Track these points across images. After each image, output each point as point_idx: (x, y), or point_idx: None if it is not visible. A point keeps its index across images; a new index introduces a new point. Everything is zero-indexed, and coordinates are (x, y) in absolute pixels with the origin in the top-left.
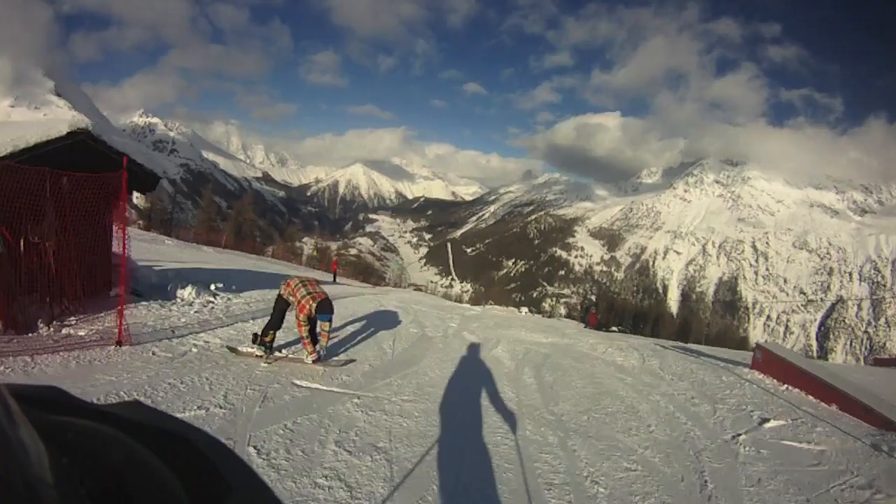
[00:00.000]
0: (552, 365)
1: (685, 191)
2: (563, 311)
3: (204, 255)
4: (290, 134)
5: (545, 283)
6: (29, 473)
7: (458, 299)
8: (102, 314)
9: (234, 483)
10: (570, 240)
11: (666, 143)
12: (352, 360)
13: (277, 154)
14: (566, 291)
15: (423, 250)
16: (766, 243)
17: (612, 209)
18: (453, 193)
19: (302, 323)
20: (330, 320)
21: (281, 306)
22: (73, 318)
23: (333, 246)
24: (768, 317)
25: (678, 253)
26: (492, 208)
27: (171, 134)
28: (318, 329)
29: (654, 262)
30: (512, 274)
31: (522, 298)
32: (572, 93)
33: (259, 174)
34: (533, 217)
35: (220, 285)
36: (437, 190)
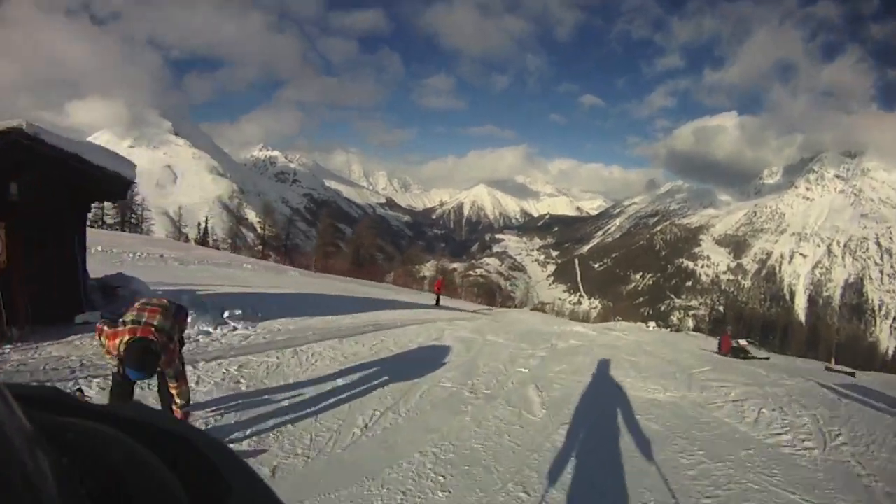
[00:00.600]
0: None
1: (807, 189)
2: (690, 324)
3: (279, 280)
4: (411, 159)
5: (673, 296)
6: (29, 473)
7: (586, 317)
8: (46, 343)
9: (234, 483)
10: (696, 249)
11: (784, 140)
12: (261, 451)
13: (400, 179)
14: (694, 303)
15: (551, 267)
16: (890, 238)
17: (736, 214)
18: (578, 208)
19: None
20: (174, 381)
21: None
22: (7, 346)
23: (460, 267)
24: (894, 318)
25: (804, 256)
26: (617, 221)
27: (292, 165)
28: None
29: (780, 268)
30: (640, 288)
31: (650, 312)
32: (687, 95)
33: (383, 200)
34: (658, 228)
35: (239, 312)
36: (561, 206)
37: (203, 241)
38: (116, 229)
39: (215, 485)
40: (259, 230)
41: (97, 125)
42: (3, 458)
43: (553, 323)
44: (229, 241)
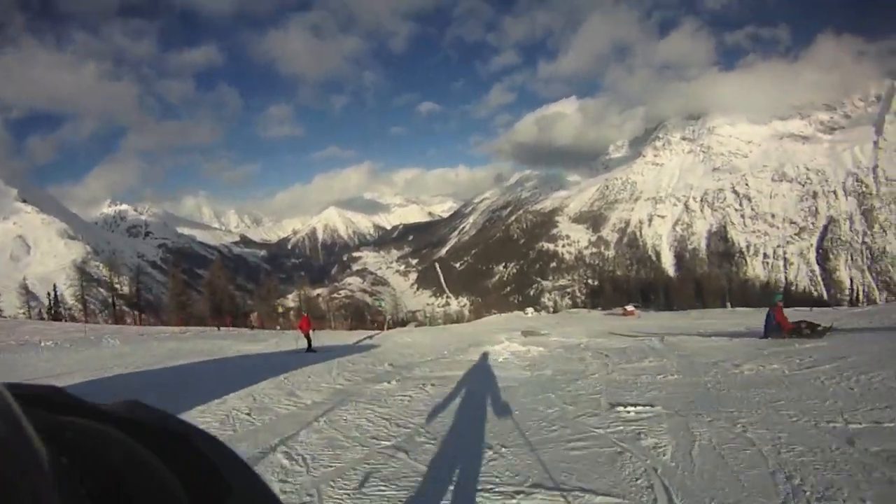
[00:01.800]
0: None
1: (655, 155)
2: (568, 301)
3: (80, 357)
4: (259, 193)
5: (539, 279)
6: (28, 473)
7: (459, 315)
8: None
9: (234, 483)
10: (554, 231)
11: (626, 115)
12: None
13: (251, 215)
14: (563, 282)
15: (413, 276)
16: (746, 185)
17: (589, 191)
18: (430, 214)
19: None
20: None
21: None
22: None
23: (323, 292)
24: (764, 254)
25: (662, 217)
26: (471, 219)
27: (143, 217)
28: None
29: (641, 232)
30: (505, 278)
31: (520, 299)
32: (524, 89)
33: (237, 238)
34: (513, 218)
35: None
36: (413, 214)
37: (54, 311)
38: None
39: (215, 485)
40: (114, 289)
41: None
42: (2, 457)
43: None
44: (81, 307)
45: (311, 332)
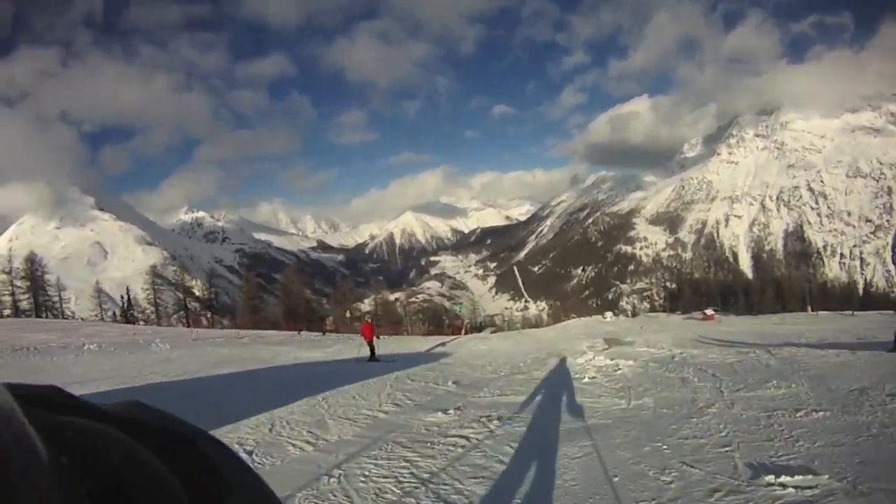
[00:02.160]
0: None
1: (730, 153)
2: (646, 305)
3: (119, 363)
4: (336, 199)
5: (618, 282)
6: (28, 473)
7: (537, 320)
8: None
9: (234, 483)
10: (632, 233)
11: (698, 112)
12: None
13: (328, 220)
14: (641, 285)
15: (491, 279)
16: (821, 181)
17: (665, 191)
18: (507, 217)
19: None
20: None
21: None
22: None
23: (401, 296)
24: (841, 254)
25: (738, 217)
26: (548, 222)
27: (220, 224)
28: None
29: (717, 233)
30: (583, 281)
31: (599, 303)
32: (596, 89)
33: (314, 243)
34: (590, 220)
35: None
36: (490, 218)
37: (127, 314)
38: (30, 315)
39: (215, 485)
40: (197, 293)
41: (20, 210)
42: (2, 458)
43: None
44: (153, 310)
45: (374, 339)
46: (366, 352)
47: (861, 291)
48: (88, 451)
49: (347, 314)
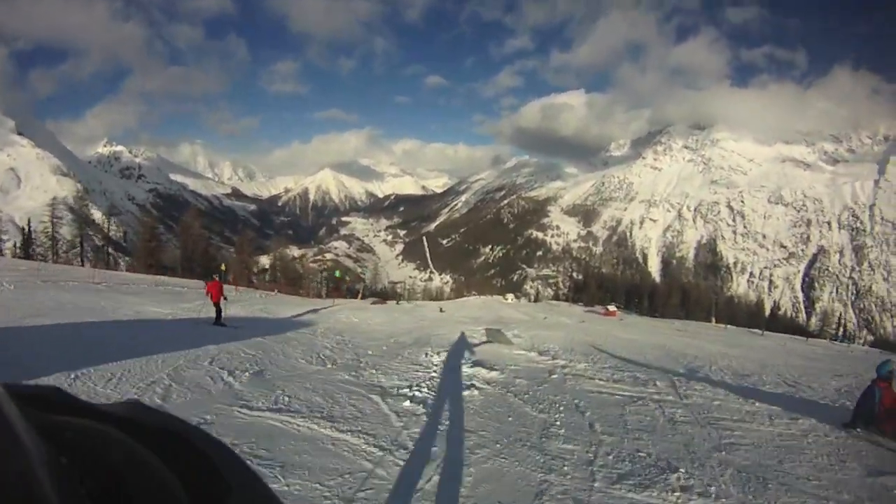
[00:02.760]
0: None
1: (655, 159)
2: (549, 292)
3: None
4: (257, 147)
5: (524, 266)
6: (27, 473)
7: (439, 293)
8: None
9: (234, 483)
10: (545, 220)
11: (632, 115)
12: None
13: (245, 168)
14: (547, 272)
15: (399, 247)
16: (742, 202)
17: (584, 185)
18: (423, 187)
19: None
20: None
21: None
22: None
23: (308, 253)
24: (751, 273)
25: (654, 221)
26: (463, 198)
27: (138, 160)
28: None
29: (631, 233)
30: (490, 260)
31: (503, 283)
32: (534, 75)
33: (228, 190)
34: (505, 202)
35: None
36: (407, 186)
37: (25, 249)
38: None
39: (215, 485)
40: (106, 230)
41: None
42: (2, 458)
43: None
44: (64, 249)
45: (222, 300)
46: (210, 313)
47: (768, 312)
48: (88, 451)
49: (222, 268)
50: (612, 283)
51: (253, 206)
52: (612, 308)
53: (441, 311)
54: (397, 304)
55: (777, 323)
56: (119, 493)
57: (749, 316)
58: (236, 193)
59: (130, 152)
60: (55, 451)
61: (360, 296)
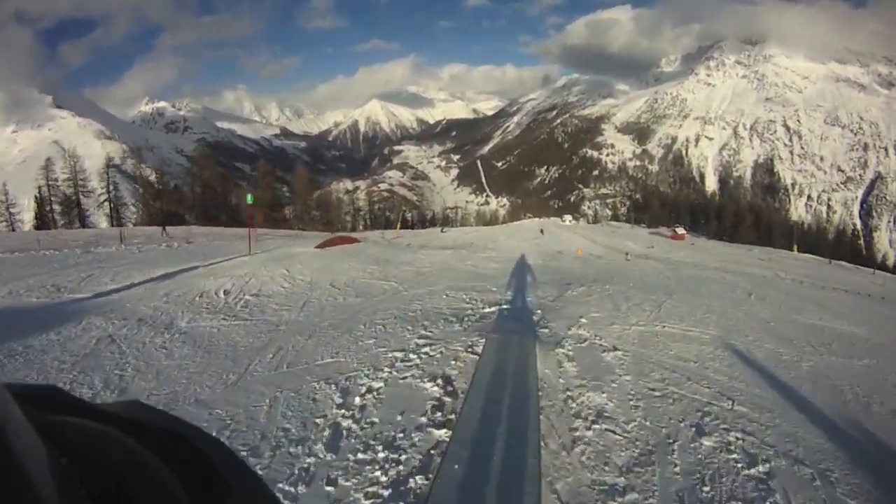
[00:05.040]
0: None
1: (708, 75)
2: (608, 213)
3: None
4: (301, 86)
5: (581, 186)
6: (28, 473)
7: (493, 217)
8: None
9: (234, 483)
10: (599, 139)
11: (681, 30)
12: None
13: (292, 107)
14: (605, 191)
15: (454, 172)
16: (798, 121)
17: (637, 102)
18: (474, 111)
19: None
20: None
21: None
22: None
23: (362, 185)
24: (808, 196)
25: (709, 139)
26: (515, 119)
27: (182, 113)
28: None
29: (686, 151)
30: (546, 181)
31: (560, 204)
32: None
33: (277, 131)
34: (558, 121)
35: None
36: (457, 110)
37: (81, 220)
38: None
39: (215, 485)
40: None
41: None
42: (2, 458)
43: None
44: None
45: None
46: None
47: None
48: (88, 451)
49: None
50: (674, 202)
51: (304, 144)
52: (680, 231)
53: (463, 247)
54: (442, 231)
55: (843, 252)
56: (119, 493)
57: (815, 243)
58: (285, 133)
59: (174, 106)
60: (56, 451)
61: (397, 225)
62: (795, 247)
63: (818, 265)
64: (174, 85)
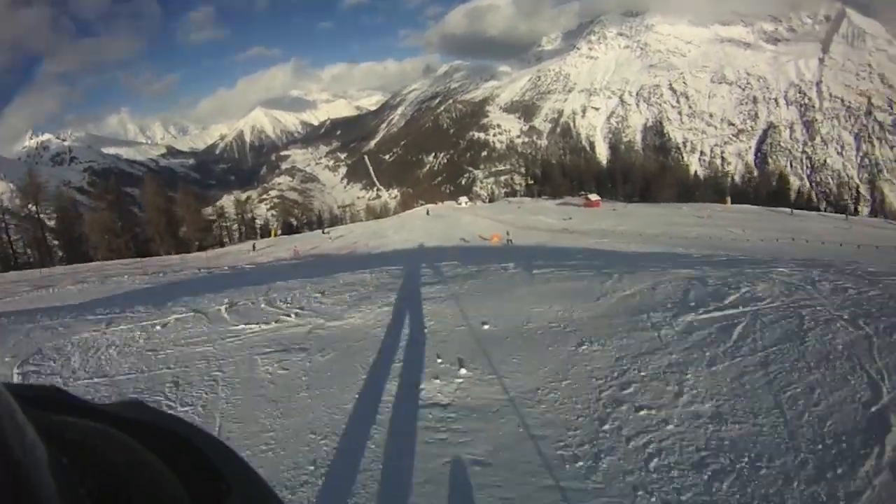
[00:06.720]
0: None
1: (590, 49)
2: (502, 191)
3: None
4: (184, 102)
5: (471, 168)
6: (28, 473)
7: (384, 209)
8: None
9: (234, 483)
10: (485, 120)
11: (560, 10)
12: None
13: (177, 125)
14: (499, 168)
15: (343, 170)
16: (684, 83)
17: (520, 81)
18: (357, 108)
19: None
20: None
21: None
22: None
23: (254, 194)
24: (701, 152)
25: (596, 109)
26: (399, 111)
27: (66, 143)
28: None
29: (574, 123)
30: (436, 168)
31: (452, 189)
32: None
33: (164, 150)
34: (442, 108)
35: None
36: (341, 109)
37: None
38: None
39: (215, 485)
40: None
41: None
42: (2, 458)
43: None
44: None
45: None
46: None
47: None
48: (88, 451)
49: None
50: (575, 170)
51: (191, 161)
52: (593, 197)
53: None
54: (323, 233)
55: (745, 196)
56: (119, 493)
57: (718, 193)
58: (172, 151)
59: (58, 137)
60: (56, 451)
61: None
62: (728, 199)
63: (781, 217)
64: (58, 115)
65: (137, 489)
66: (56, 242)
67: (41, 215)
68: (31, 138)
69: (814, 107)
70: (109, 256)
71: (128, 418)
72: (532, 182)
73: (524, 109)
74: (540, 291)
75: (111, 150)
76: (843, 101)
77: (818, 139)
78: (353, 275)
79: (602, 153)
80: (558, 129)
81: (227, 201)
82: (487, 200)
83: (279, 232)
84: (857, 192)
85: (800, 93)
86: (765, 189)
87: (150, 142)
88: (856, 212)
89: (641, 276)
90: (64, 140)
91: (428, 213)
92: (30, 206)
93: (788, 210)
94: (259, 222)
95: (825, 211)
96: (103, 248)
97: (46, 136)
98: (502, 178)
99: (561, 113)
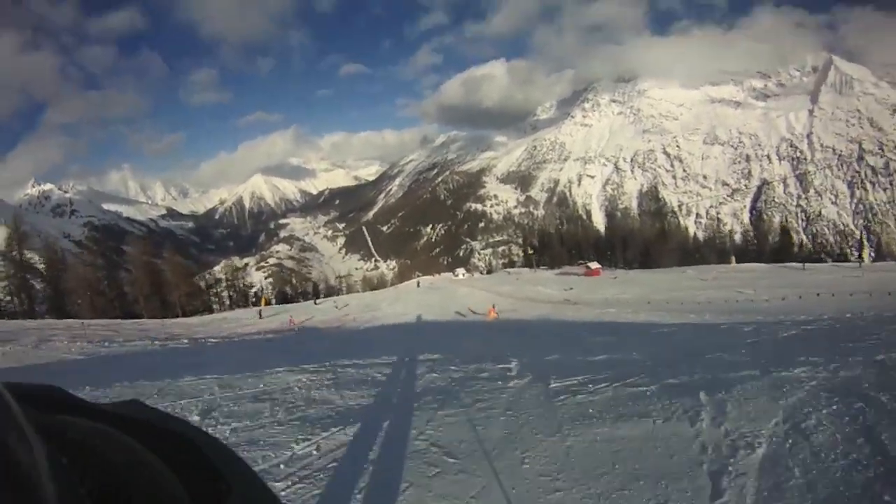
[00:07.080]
0: None
1: (584, 116)
2: (500, 262)
3: None
4: (185, 164)
5: (468, 240)
6: (28, 473)
7: (381, 281)
8: None
9: (234, 483)
10: (482, 191)
11: (554, 78)
12: None
13: (177, 186)
14: (497, 238)
15: (341, 240)
16: (677, 146)
17: (516, 152)
18: (356, 178)
19: None
20: None
21: None
22: None
23: (251, 261)
24: (697, 214)
25: (591, 177)
26: (397, 181)
27: (68, 195)
28: None
29: (570, 192)
30: (433, 239)
31: (450, 260)
32: (452, 50)
33: (163, 211)
34: (440, 179)
35: None
36: (339, 179)
37: None
38: None
39: (215, 485)
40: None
41: None
42: (2, 458)
43: None
44: (9, 298)
45: None
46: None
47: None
48: (88, 451)
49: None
50: (573, 239)
51: (190, 224)
52: (593, 265)
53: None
54: (315, 304)
55: (748, 254)
56: (119, 493)
57: (718, 253)
58: (171, 213)
59: (60, 189)
60: (56, 451)
61: (263, 304)
62: (733, 259)
63: (793, 272)
64: (60, 165)
65: (137, 489)
66: (41, 294)
67: (28, 264)
68: (34, 186)
69: (806, 159)
70: (93, 314)
71: (127, 418)
72: (531, 252)
73: (520, 180)
74: (573, 451)
75: (112, 207)
76: (834, 149)
77: (812, 191)
78: (291, 374)
79: (599, 221)
80: (555, 199)
81: (227, 266)
82: (485, 272)
83: (272, 301)
84: (861, 240)
85: (791, 146)
86: (767, 245)
87: (150, 202)
88: (860, 257)
89: (741, 391)
90: (66, 192)
91: (419, 285)
92: (13, 253)
93: (801, 265)
94: (255, 290)
95: (833, 261)
96: (85, 304)
97: (48, 186)
98: (500, 249)
99: (557, 182)
